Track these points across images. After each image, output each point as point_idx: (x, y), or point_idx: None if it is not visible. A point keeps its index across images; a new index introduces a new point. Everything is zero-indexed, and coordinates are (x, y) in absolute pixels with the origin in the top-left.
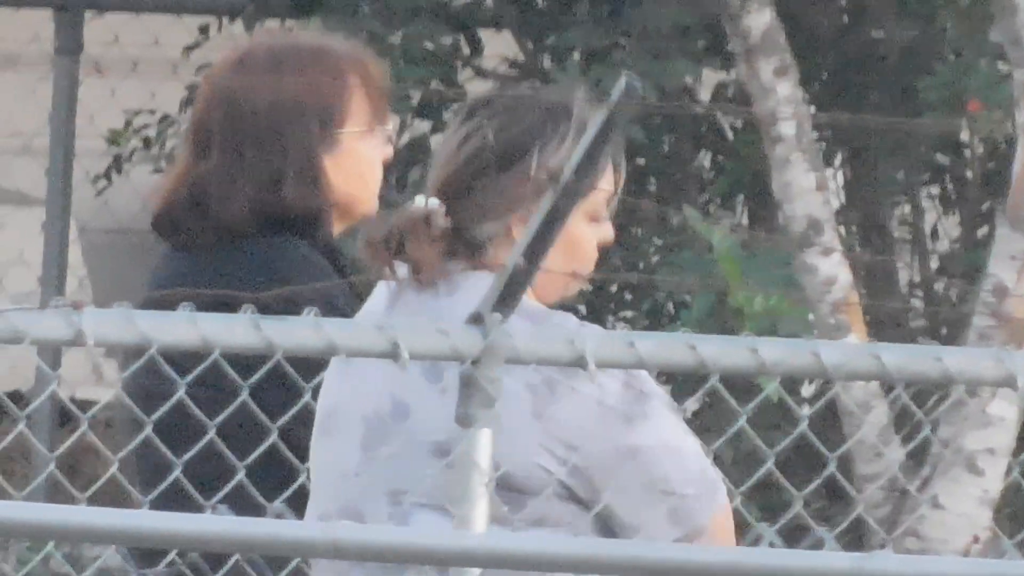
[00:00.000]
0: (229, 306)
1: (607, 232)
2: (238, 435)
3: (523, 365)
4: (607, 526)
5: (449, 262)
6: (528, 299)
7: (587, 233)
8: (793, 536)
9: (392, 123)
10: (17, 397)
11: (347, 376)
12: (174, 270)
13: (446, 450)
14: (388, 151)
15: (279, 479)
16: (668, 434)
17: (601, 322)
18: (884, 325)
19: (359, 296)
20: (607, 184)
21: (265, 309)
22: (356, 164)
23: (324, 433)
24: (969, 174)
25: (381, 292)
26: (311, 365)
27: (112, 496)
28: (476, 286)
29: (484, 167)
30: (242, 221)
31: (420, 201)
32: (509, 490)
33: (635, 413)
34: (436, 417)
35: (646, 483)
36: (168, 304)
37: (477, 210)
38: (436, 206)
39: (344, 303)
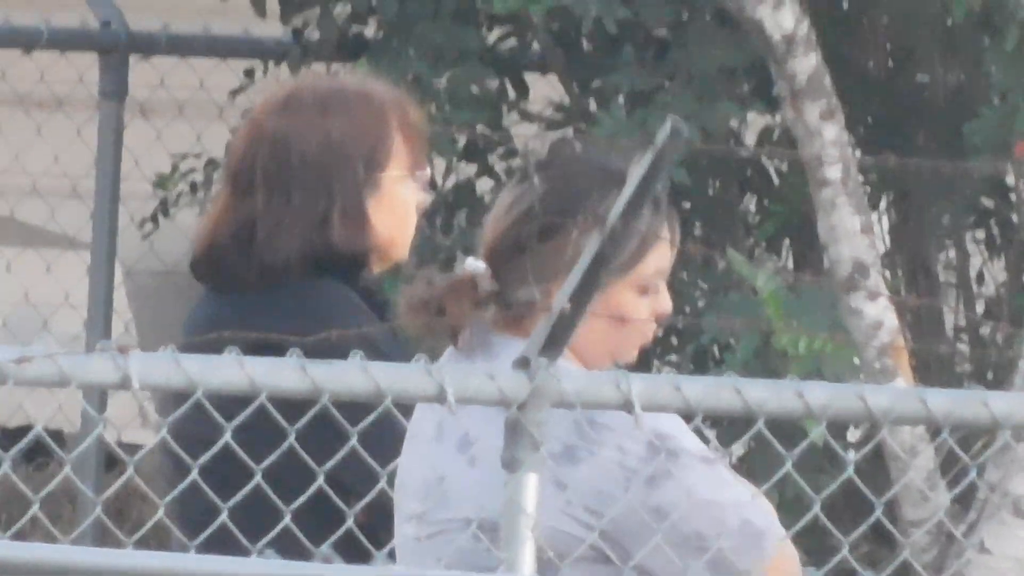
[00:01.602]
0: (272, 349)
1: (663, 303)
2: (279, 480)
3: (543, 435)
4: None
5: (490, 329)
6: (565, 360)
7: (634, 304)
8: None
9: (431, 167)
10: (59, 438)
11: (408, 450)
12: (214, 313)
13: (478, 525)
14: (424, 196)
15: (325, 523)
16: (695, 489)
17: (647, 366)
18: (930, 369)
19: (398, 339)
20: (662, 257)
21: (307, 352)
22: (395, 207)
23: (396, 506)
24: (1015, 218)
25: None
26: (358, 409)
27: (160, 540)
28: (515, 355)
29: (531, 231)
30: (289, 262)
31: (469, 264)
32: (539, 558)
33: (658, 473)
34: (466, 489)
35: (678, 542)
36: (211, 347)
37: (521, 274)
38: (482, 269)
39: (386, 346)
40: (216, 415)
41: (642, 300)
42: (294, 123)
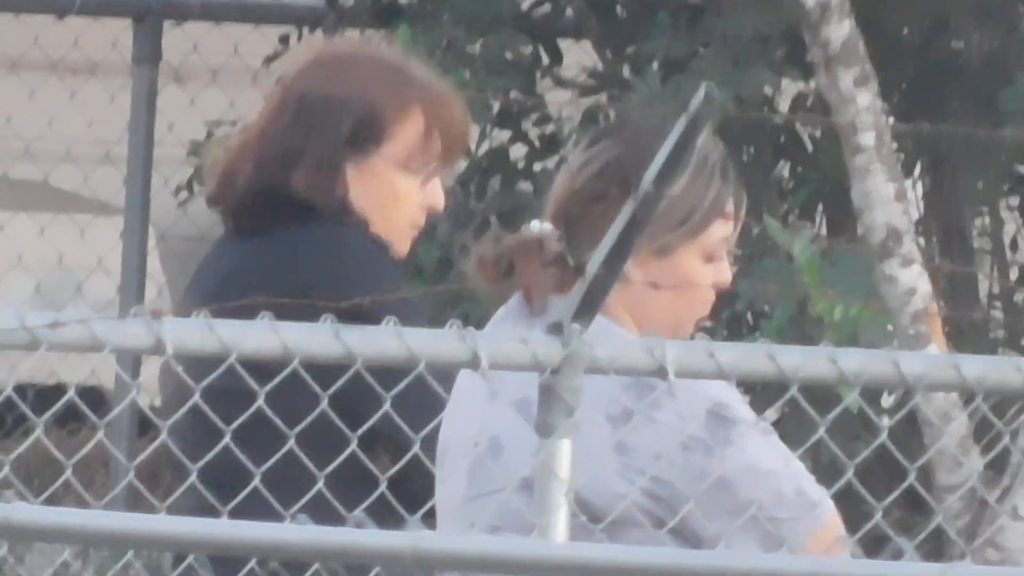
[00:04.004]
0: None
1: (724, 273)
2: (312, 444)
3: (603, 397)
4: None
5: (554, 293)
6: (616, 326)
7: (700, 271)
8: (873, 547)
9: (456, 165)
10: (98, 396)
11: (456, 413)
12: (239, 258)
13: (533, 486)
14: (435, 199)
15: (357, 489)
16: (755, 459)
17: None
18: (964, 335)
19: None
20: (726, 225)
21: (342, 302)
22: (379, 189)
23: (440, 469)
24: None
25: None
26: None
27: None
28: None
29: (600, 195)
30: (247, 199)
31: (535, 225)
32: (599, 521)
33: (718, 441)
34: (526, 452)
35: (735, 511)
36: (238, 304)
37: (590, 238)
38: (549, 231)
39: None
40: (250, 380)
41: (707, 268)
42: (313, 71)
